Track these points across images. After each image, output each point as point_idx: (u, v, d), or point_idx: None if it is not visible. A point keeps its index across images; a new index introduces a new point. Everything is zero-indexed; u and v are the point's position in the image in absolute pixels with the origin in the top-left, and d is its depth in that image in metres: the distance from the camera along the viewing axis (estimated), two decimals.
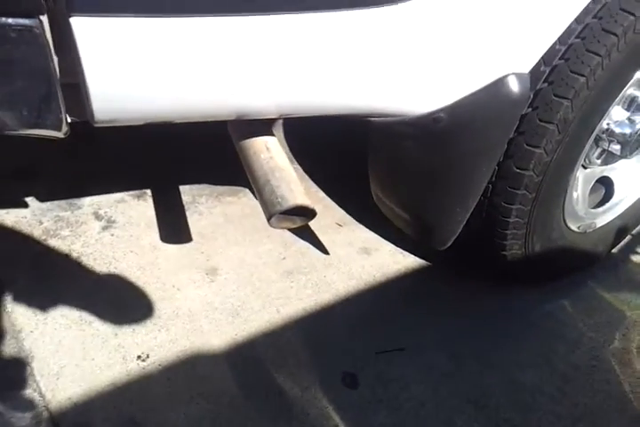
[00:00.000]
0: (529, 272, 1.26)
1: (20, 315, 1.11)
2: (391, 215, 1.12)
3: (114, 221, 1.33)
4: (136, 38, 0.54)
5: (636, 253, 1.53)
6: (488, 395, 1.11)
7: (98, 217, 1.34)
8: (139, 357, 1.07)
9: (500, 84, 0.84)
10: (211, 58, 0.61)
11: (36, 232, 1.27)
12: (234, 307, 1.19)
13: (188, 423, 0.99)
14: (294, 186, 0.81)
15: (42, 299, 1.15)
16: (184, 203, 1.41)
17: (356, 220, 1.45)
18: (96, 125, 0.65)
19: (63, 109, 0.58)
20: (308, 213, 0.82)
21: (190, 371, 1.07)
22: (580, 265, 1.36)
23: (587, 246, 1.34)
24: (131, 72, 0.58)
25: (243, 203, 1.44)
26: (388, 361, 1.14)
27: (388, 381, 1.10)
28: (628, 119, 1.18)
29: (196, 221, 1.37)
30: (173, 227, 1.35)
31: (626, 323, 1.33)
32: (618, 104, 1.15)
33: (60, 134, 0.61)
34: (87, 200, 1.37)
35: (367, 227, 1.43)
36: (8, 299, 1.14)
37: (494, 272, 1.28)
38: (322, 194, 1.52)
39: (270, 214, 0.80)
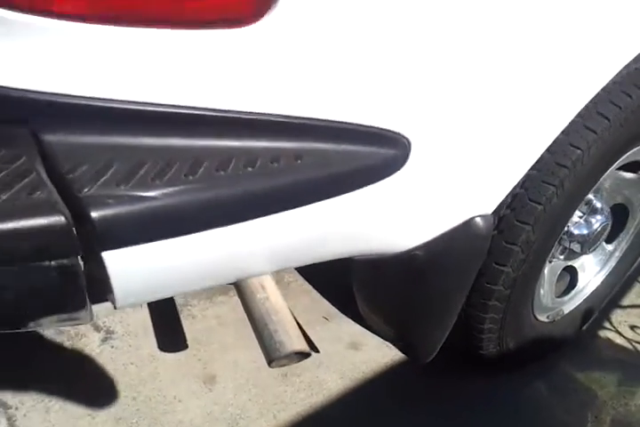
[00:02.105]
0: (505, 363, 1.35)
1: None
2: (378, 328, 1.21)
3: (113, 332, 1.39)
4: (159, 257, 0.63)
5: (604, 328, 1.63)
6: None
7: (97, 328, 1.40)
8: None
9: (467, 225, 0.94)
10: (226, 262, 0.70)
11: (43, 346, 1.33)
12: (233, 416, 1.25)
13: None
14: (291, 330, 0.90)
15: (49, 420, 1.20)
16: (178, 306, 1.49)
17: (342, 312, 1.53)
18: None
19: (90, 311, 0.66)
20: (305, 354, 0.90)
21: None
22: (552, 349, 1.46)
23: (557, 332, 1.44)
24: (158, 283, 0.67)
25: (234, 302, 1.51)
26: None
27: None
28: (585, 221, 1.30)
29: (190, 324, 1.44)
30: (170, 334, 1.41)
31: (597, 403, 1.42)
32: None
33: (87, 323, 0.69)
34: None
35: (353, 319, 1.51)
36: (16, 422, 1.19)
37: (473, 364, 1.36)
38: (308, 286, 1.61)
39: (270, 359, 0.88)
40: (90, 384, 1.28)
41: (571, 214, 1.17)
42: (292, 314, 0.96)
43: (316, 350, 1.42)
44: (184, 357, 1.36)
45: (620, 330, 1.63)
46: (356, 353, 1.43)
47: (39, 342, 1.34)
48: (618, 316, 1.67)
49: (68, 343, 1.36)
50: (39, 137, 0.59)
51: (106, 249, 0.58)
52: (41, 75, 0.56)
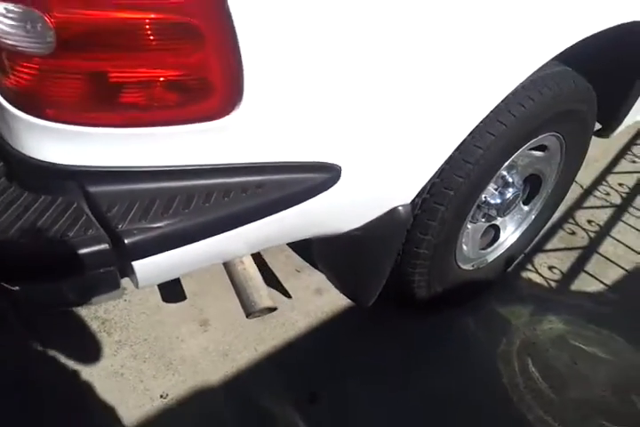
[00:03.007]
0: (437, 305, 1.71)
1: (69, 371, 1.53)
2: (330, 279, 1.56)
3: (125, 288, 1.73)
4: (167, 260, 0.95)
5: (526, 269, 2.00)
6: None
7: None
8: (161, 396, 1.51)
9: (391, 212, 1.26)
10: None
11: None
12: (223, 350, 1.62)
13: None
14: (262, 292, 1.24)
15: (82, 358, 1.57)
16: None
17: (310, 265, 1.88)
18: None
19: (122, 290, 0.99)
20: (272, 308, 1.25)
21: (198, 402, 1.51)
22: (478, 291, 1.83)
23: (481, 277, 1.80)
24: (167, 273, 1.00)
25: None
26: (338, 379, 1.60)
27: (340, 397, 1.56)
28: (499, 192, 1.63)
29: (187, 280, 1.79)
30: (171, 288, 1.76)
31: (511, 330, 1.80)
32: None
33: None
34: None
35: (319, 271, 1.86)
36: (60, 360, 1.55)
37: (411, 307, 1.73)
38: (284, 246, 1.94)
39: (247, 313, 1.23)
40: (111, 330, 1.64)
41: (479, 195, 1.49)
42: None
43: (289, 297, 1.78)
44: (184, 306, 1.72)
45: (539, 271, 1.99)
46: (320, 297, 1.79)
47: None
48: (540, 259, 2.03)
49: None
50: (85, 187, 0.89)
51: (133, 260, 0.91)
52: (84, 157, 0.87)
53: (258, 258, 1.85)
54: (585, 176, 2.32)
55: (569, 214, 2.20)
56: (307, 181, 1.04)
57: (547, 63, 1.28)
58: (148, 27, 0.74)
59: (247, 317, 1.25)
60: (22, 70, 0.76)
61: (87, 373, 1.54)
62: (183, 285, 1.76)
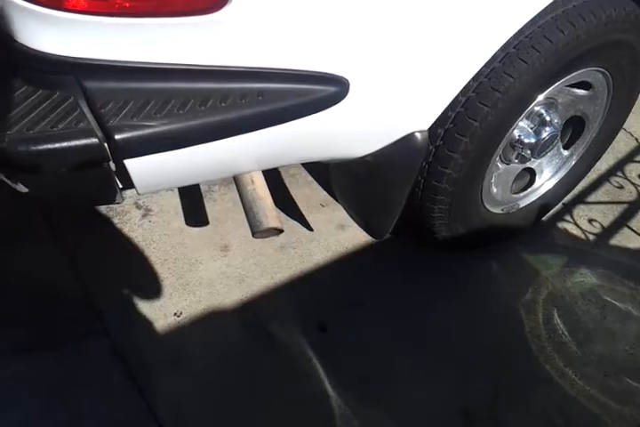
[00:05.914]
0: (459, 246, 1.67)
1: (92, 285, 1.59)
2: (346, 210, 1.54)
3: (150, 210, 1.77)
4: (161, 163, 0.95)
5: (563, 220, 1.91)
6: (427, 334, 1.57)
7: (138, 207, 1.78)
8: (175, 313, 1.55)
9: (407, 138, 1.22)
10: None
11: (98, 220, 1.73)
12: (240, 275, 1.64)
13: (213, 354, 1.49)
14: (269, 213, 1.23)
15: (103, 274, 1.62)
16: (202, 191, 1.84)
17: (336, 200, 1.86)
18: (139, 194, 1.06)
19: (121, 195, 1.00)
20: (278, 229, 1.25)
21: (211, 323, 1.54)
22: (505, 237, 1.77)
23: (510, 223, 1.73)
24: (165, 178, 1.00)
25: None
26: (351, 312, 1.60)
27: (349, 328, 1.57)
28: (535, 131, 1.54)
29: (211, 206, 1.80)
30: (195, 212, 1.78)
31: (539, 280, 1.74)
32: (526, 119, 1.50)
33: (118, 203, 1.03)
34: (129, 192, 1.80)
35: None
36: (83, 275, 1.61)
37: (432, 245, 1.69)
38: (310, 178, 1.93)
39: (253, 232, 1.23)
40: (133, 249, 1.68)
41: (507, 129, 1.41)
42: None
43: (311, 229, 1.77)
44: (205, 230, 1.74)
45: (578, 223, 1.90)
46: (342, 232, 1.78)
47: (96, 217, 1.74)
48: (580, 211, 1.93)
49: (116, 218, 1.75)
50: (81, 82, 0.90)
51: (126, 158, 0.91)
52: (82, 48, 0.86)
53: (282, 190, 1.85)
54: None
55: (618, 167, 2.07)
56: (311, 92, 1.01)
57: None
58: None
59: (253, 235, 1.24)
60: None
61: (106, 288, 1.60)
62: (207, 210, 1.78)
